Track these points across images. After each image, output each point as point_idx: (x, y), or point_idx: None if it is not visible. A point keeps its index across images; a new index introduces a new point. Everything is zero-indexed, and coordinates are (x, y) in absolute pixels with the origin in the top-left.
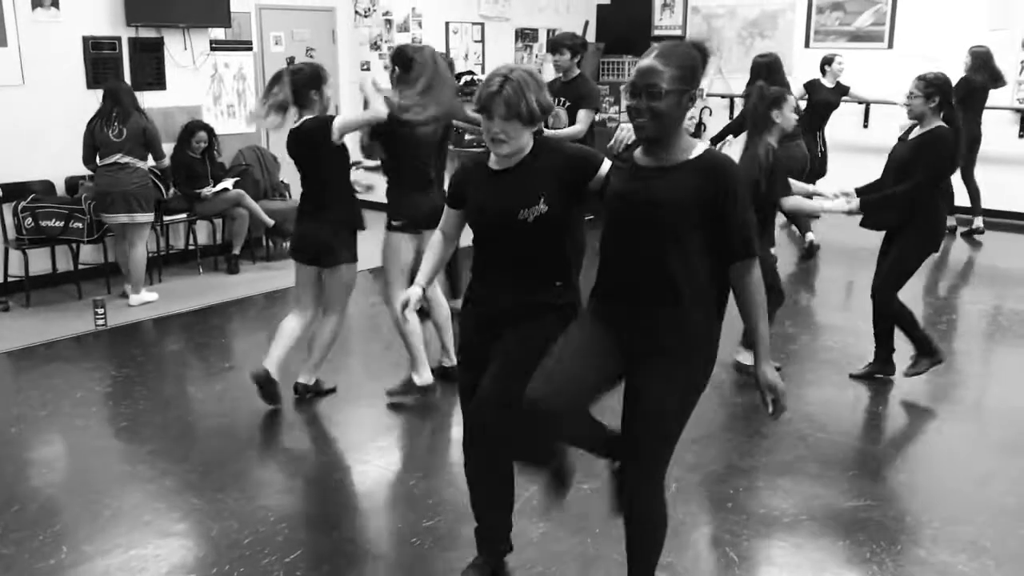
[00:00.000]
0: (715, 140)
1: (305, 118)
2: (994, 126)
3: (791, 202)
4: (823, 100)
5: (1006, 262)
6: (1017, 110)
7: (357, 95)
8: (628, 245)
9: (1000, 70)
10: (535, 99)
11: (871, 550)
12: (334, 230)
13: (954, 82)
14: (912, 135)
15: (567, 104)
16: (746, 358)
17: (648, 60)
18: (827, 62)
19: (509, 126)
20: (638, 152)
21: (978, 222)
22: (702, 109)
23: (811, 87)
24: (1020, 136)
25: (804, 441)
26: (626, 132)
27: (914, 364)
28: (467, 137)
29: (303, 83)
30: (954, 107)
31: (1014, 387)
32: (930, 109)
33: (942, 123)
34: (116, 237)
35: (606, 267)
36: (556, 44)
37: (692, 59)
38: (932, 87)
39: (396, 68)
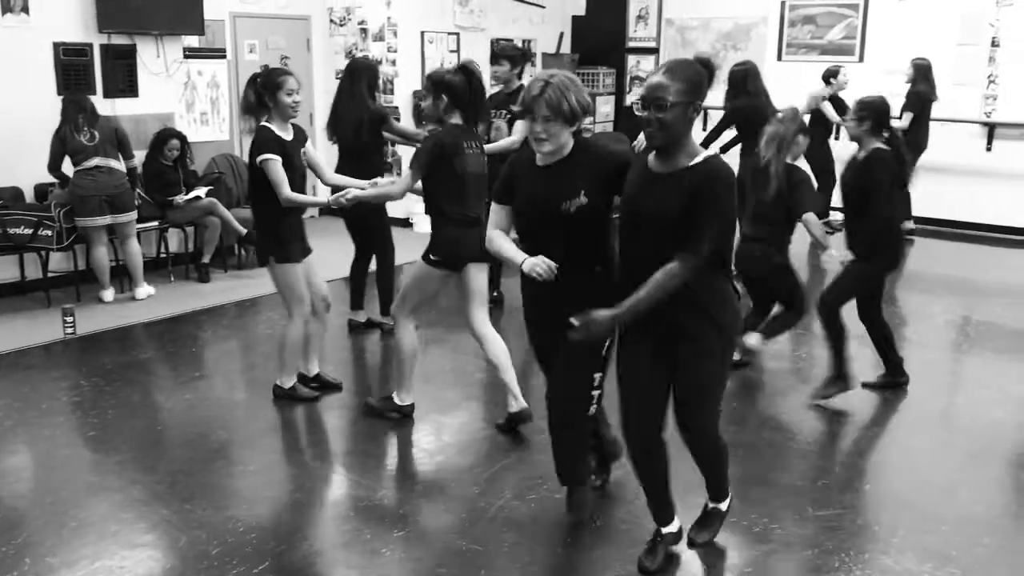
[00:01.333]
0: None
1: (261, 124)
2: (962, 139)
3: (811, 219)
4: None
5: (974, 274)
6: (984, 123)
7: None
8: (637, 242)
9: (935, 83)
10: (575, 99)
11: (840, 559)
12: (258, 231)
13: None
14: (858, 158)
15: (508, 116)
16: (750, 339)
17: (657, 76)
18: (832, 75)
19: (551, 126)
20: (651, 157)
21: (908, 224)
22: None
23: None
24: (988, 149)
25: (774, 450)
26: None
27: (826, 386)
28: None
29: (260, 88)
30: (892, 128)
31: (980, 397)
32: (864, 132)
33: (880, 145)
34: (92, 242)
35: (624, 262)
36: (497, 55)
37: (698, 75)
38: (865, 110)
39: (443, 97)
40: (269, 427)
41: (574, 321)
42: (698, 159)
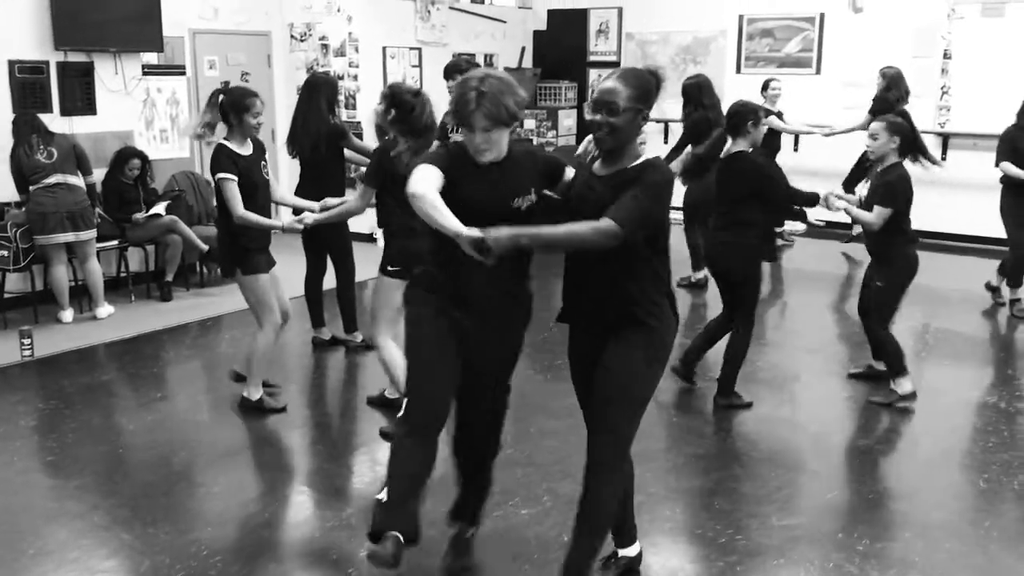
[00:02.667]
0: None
1: (222, 140)
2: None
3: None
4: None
5: (934, 281)
6: (939, 134)
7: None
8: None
9: (908, 88)
10: (512, 102)
11: (805, 569)
12: (221, 244)
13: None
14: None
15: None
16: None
17: (610, 81)
18: (764, 87)
19: (491, 135)
20: (597, 163)
21: (856, 229)
22: None
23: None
24: (942, 159)
25: (738, 461)
26: (593, 144)
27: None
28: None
29: (227, 107)
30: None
31: (939, 404)
32: (892, 149)
33: (900, 162)
34: (51, 262)
35: (566, 267)
36: (450, 70)
37: (647, 83)
38: (898, 130)
39: (392, 110)
40: (233, 448)
41: (475, 234)
42: (639, 161)
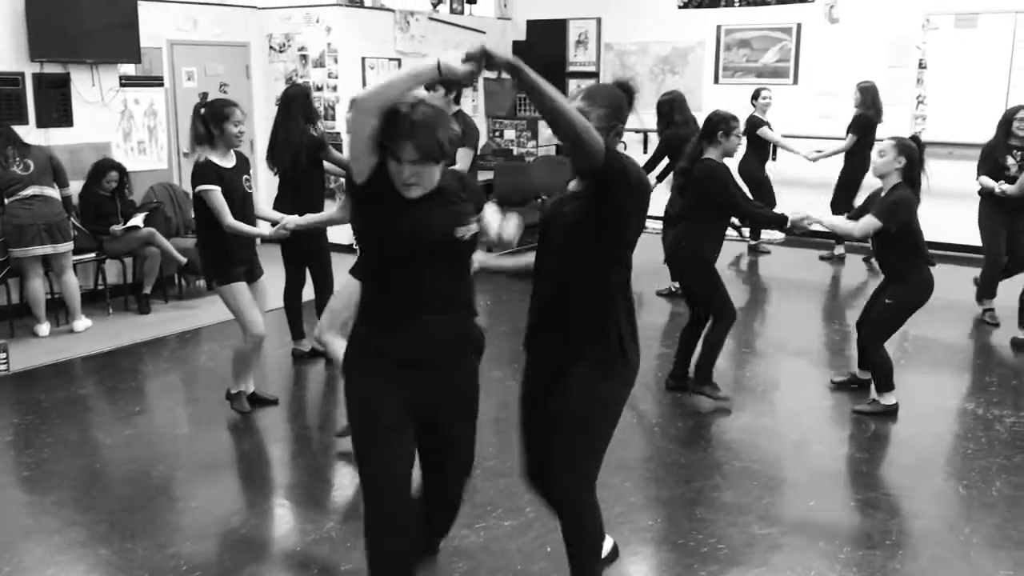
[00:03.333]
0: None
1: (204, 155)
2: None
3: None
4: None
5: None
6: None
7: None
8: (548, 255)
9: (881, 105)
10: (445, 136)
11: None
12: (201, 257)
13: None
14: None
15: None
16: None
17: (576, 102)
18: (755, 96)
19: (421, 169)
20: (573, 182)
21: (839, 249)
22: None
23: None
24: (877, 176)
25: (719, 470)
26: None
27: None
28: None
29: (207, 119)
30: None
31: (919, 412)
32: (896, 169)
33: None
34: (28, 275)
35: (535, 281)
36: (431, 81)
37: (617, 98)
38: (904, 150)
39: None
40: (212, 461)
41: (469, 50)
42: None
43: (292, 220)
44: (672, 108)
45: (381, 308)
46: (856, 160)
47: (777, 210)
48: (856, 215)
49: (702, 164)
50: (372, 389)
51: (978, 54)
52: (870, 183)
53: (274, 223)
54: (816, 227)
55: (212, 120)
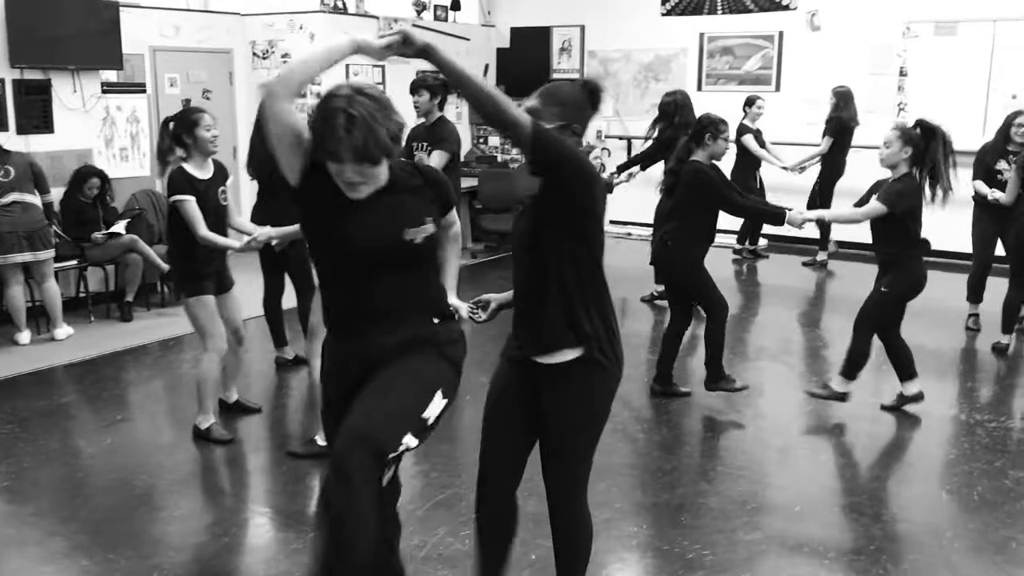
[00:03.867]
0: (622, 168)
1: (178, 164)
2: (871, 165)
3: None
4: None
5: None
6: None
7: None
8: (517, 264)
9: (856, 109)
10: (385, 131)
11: None
12: (171, 266)
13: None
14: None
15: (429, 148)
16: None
17: (531, 101)
18: (748, 103)
19: (364, 168)
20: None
21: (823, 255)
22: (601, 149)
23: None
24: (885, 168)
25: (704, 476)
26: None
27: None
28: None
29: (178, 129)
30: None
31: (902, 418)
32: (904, 159)
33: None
34: (8, 282)
35: (513, 300)
36: (416, 85)
37: (574, 96)
38: (910, 139)
39: None
40: (195, 470)
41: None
42: None
43: (264, 233)
44: (676, 109)
45: (332, 316)
46: (832, 163)
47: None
48: (860, 204)
49: (689, 166)
50: (326, 395)
51: (958, 61)
52: (846, 187)
53: (249, 235)
54: (806, 227)
55: (183, 129)
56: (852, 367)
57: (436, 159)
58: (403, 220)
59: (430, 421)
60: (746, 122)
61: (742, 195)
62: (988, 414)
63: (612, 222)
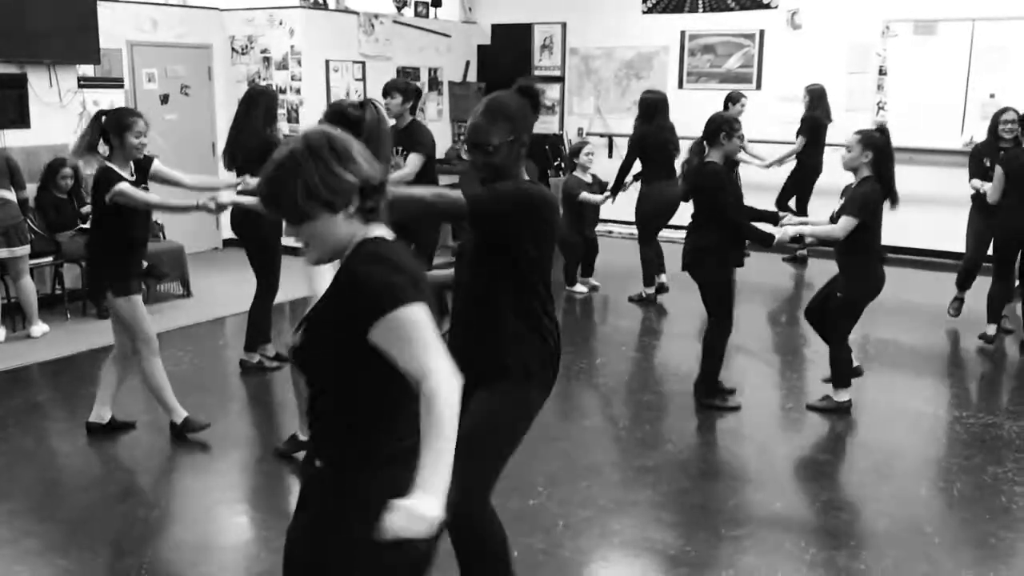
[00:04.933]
0: (615, 189)
1: (103, 163)
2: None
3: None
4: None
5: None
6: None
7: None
8: (464, 275)
9: (830, 107)
10: (304, 184)
11: None
12: (93, 266)
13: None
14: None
15: (404, 152)
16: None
17: (477, 118)
18: (732, 100)
19: (299, 230)
20: None
21: (802, 251)
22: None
23: None
24: (847, 170)
25: (686, 473)
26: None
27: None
28: None
29: (108, 127)
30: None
31: (880, 415)
32: (864, 163)
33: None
34: None
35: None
36: (388, 88)
37: (519, 109)
38: (869, 143)
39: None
40: (172, 468)
41: None
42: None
43: (225, 196)
44: (656, 108)
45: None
46: (808, 162)
47: (765, 228)
48: (836, 217)
49: (706, 168)
50: None
51: (937, 61)
52: (824, 185)
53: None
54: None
55: (112, 129)
56: (840, 376)
57: (412, 162)
58: (309, 320)
59: None
60: None
61: (737, 211)
62: (966, 411)
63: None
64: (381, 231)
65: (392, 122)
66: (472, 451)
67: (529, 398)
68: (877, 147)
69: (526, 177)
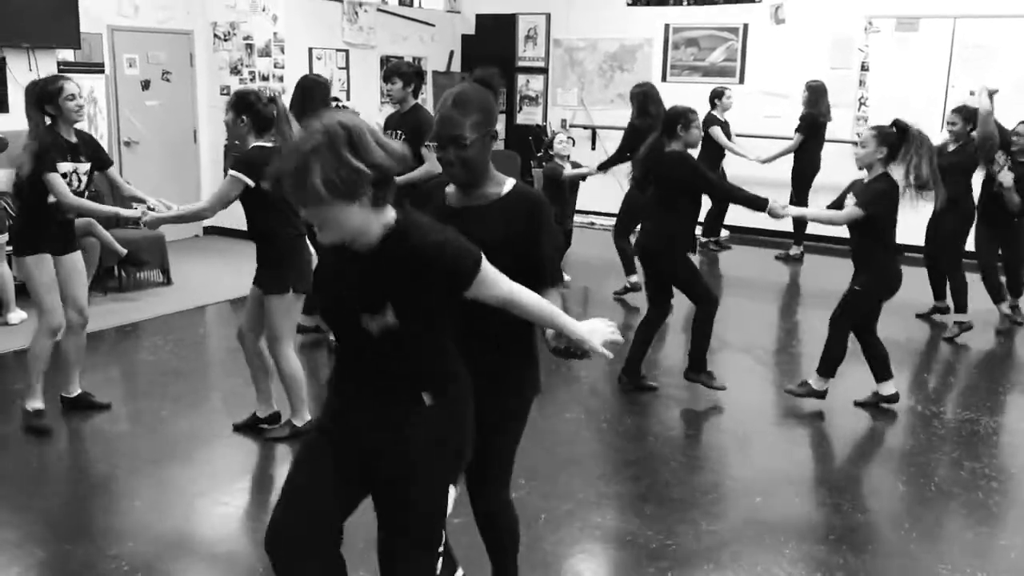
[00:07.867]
0: (606, 164)
1: (46, 138)
2: (835, 158)
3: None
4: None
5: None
6: (857, 143)
7: (217, 123)
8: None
9: (828, 104)
10: (323, 176)
11: (734, 572)
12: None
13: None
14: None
15: (403, 137)
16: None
17: (447, 112)
18: (718, 96)
19: (315, 212)
20: (451, 190)
21: (795, 249)
22: (567, 138)
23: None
24: (860, 168)
25: (668, 466)
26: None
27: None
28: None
29: (42, 99)
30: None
31: (859, 409)
32: (879, 160)
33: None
34: None
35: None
36: (389, 73)
37: (487, 101)
38: (884, 139)
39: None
40: (154, 458)
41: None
42: (509, 186)
43: (149, 216)
44: (647, 99)
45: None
46: (806, 159)
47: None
48: (836, 204)
49: (670, 155)
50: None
51: (919, 57)
52: (823, 182)
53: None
54: (786, 219)
55: (45, 100)
56: (829, 365)
57: (428, 154)
58: (362, 301)
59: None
60: (715, 113)
61: (723, 180)
62: (944, 406)
63: (577, 211)
64: (393, 210)
65: (394, 108)
66: (511, 451)
67: (465, 423)
68: (892, 144)
69: (504, 178)
